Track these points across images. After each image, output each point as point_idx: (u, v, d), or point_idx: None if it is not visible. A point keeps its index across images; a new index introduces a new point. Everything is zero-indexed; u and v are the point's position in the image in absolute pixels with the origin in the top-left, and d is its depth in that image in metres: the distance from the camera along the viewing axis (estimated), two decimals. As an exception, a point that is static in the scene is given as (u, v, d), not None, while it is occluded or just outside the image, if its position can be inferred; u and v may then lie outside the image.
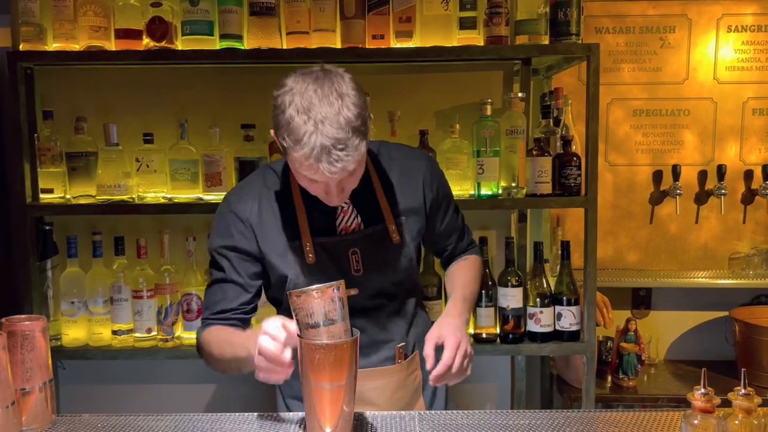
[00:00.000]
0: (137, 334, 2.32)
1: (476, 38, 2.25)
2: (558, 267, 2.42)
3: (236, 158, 2.29)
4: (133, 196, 2.30)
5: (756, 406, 1.17)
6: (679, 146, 2.98)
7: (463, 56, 2.23)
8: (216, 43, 2.24)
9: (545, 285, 2.33)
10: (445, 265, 1.84)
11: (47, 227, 2.32)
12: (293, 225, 1.55)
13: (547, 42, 2.26)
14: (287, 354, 1.28)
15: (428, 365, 1.49)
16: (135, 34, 2.22)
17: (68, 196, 2.31)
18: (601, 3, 2.93)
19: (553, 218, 2.87)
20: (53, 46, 2.25)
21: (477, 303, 2.26)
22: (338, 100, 1.32)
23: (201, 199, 2.29)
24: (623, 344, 2.75)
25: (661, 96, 2.97)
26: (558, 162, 2.28)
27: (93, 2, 2.18)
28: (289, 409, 1.72)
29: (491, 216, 2.51)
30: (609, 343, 2.86)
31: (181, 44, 2.26)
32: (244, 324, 1.59)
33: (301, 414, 1.44)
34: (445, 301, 2.33)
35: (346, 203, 1.56)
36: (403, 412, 1.51)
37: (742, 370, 1.19)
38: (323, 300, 1.26)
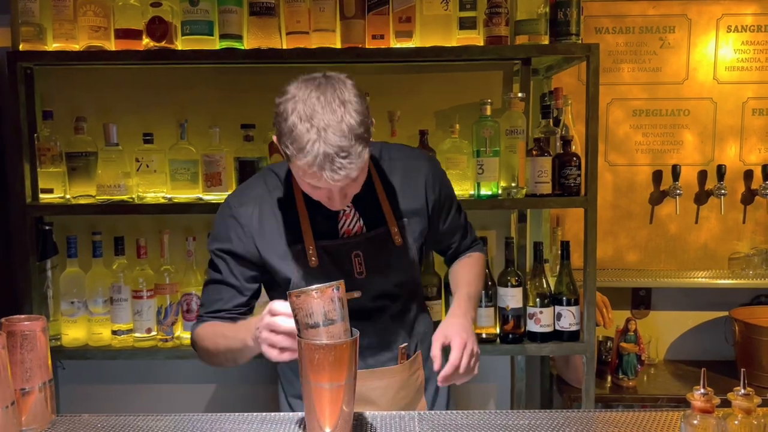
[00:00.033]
0: (137, 334, 2.32)
1: (476, 38, 2.25)
2: (558, 267, 2.42)
3: (236, 158, 2.29)
4: (133, 196, 2.30)
5: (755, 406, 1.17)
6: (679, 146, 2.98)
7: (463, 56, 2.23)
8: (216, 43, 2.24)
9: (545, 285, 2.33)
10: (449, 263, 1.85)
11: (47, 227, 2.32)
12: (296, 228, 1.55)
13: (546, 42, 2.26)
14: None
15: (435, 366, 1.49)
16: (135, 34, 2.22)
17: (68, 196, 2.31)
18: (601, 3, 2.93)
19: (552, 218, 2.87)
20: (53, 46, 2.25)
21: (477, 303, 2.27)
22: (341, 108, 1.32)
23: (201, 199, 2.30)
24: (623, 344, 2.75)
25: (661, 96, 2.97)
26: (558, 162, 2.28)
27: (93, 2, 2.18)
28: (291, 409, 1.72)
29: (491, 216, 2.51)
30: (609, 343, 2.86)
31: (180, 44, 2.26)
32: (250, 309, 1.62)
33: (300, 414, 1.44)
34: (446, 301, 2.34)
35: (348, 206, 1.56)
36: (402, 412, 1.51)
37: (742, 370, 1.19)
38: (323, 300, 1.26)
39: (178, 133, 2.32)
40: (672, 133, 2.98)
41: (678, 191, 2.91)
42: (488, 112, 2.25)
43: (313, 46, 2.21)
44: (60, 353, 2.32)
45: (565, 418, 1.46)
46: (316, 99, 1.32)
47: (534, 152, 2.27)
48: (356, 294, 1.44)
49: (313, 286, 1.26)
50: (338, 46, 2.23)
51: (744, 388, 1.17)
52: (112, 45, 2.24)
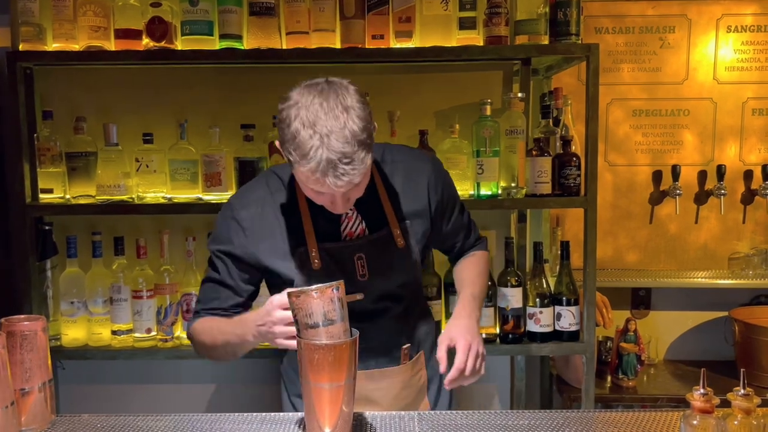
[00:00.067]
0: (137, 334, 2.32)
1: (476, 38, 2.25)
2: (557, 267, 2.42)
3: (236, 158, 2.29)
4: (133, 196, 2.30)
5: (755, 406, 1.17)
6: (679, 146, 2.98)
7: (463, 56, 2.23)
8: (216, 43, 2.24)
9: (545, 285, 2.33)
10: (453, 262, 1.85)
11: (47, 227, 2.32)
12: (298, 231, 1.56)
13: (546, 42, 2.26)
14: None
15: (441, 369, 1.51)
16: (135, 34, 2.22)
17: (68, 196, 2.31)
18: (601, 3, 2.92)
19: (552, 218, 2.87)
20: (53, 46, 2.25)
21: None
22: (344, 114, 1.32)
23: (201, 199, 2.29)
24: (623, 344, 2.75)
25: (661, 96, 2.97)
26: (558, 162, 2.28)
27: (93, 2, 2.18)
28: (295, 408, 1.72)
29: (491, 216, 2.51)
30: (608, 343, 2.86)
31: (180, 44, 2.26)
32: (246, 309, 1.64)
33: (300, 414, 1.44)
34: (446, 300, 2.34)
35: (350, 209, 1.56)
36: (402, 413, 1.51)
37: (742, 370, 1.19)
38: (322, 300, 1.26)
39: (177, 133, 2.32)
40: (672, 133, 2.98)
41: (678, 191, 2.91)
42: (488, 112, 2.25)
43: (313, 46, 2.21)
44: (60, 353, 2.32)
45: (564, 418, 1.46)
46: (318, 105, 1.32)
47: (534, 152, 2.27)
48: (359, 296, 1.46)
49: (313, 287, 1.26)
50: (338, 46, 2.23)
51: (744, 388, 1.17)
52: (111, 45, 2.24)
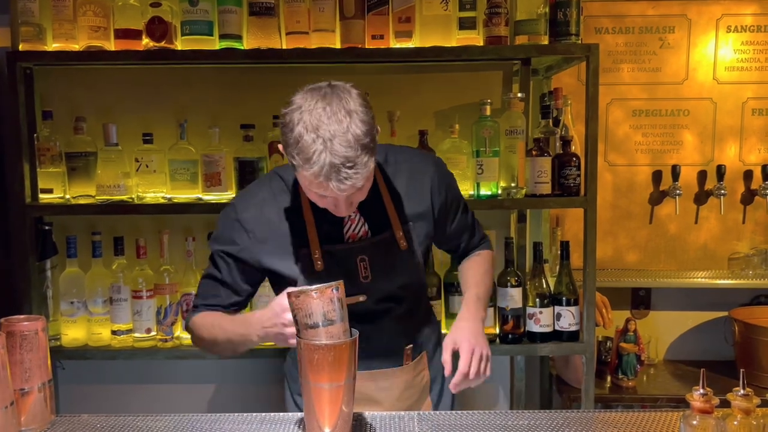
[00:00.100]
0: (136, 334, 2.32)
1: (476, 38, 2.25)
2: (557, 267, 2.42)
3: (236, 158, 2.29)
4: (133, 196, 2.30)
5: (755, 406, 1.17)
6: (679, 146, 2.98)
7: (463, 56, 2.23)
8: (215, 43, 2.24)
9: (545, 285, 2.33)
10: (458, 262, 1.86)
11: (47, 227, 2.32)
12: (301, 233, 1.56)
13: (546, 42, 2.26)
14: None
15: (446, 372, 1.53)
16: (134, 34, 2.22)
17: (68, 196, 2.31)
18: (601, 3, 2.92)
19: (552, 218, 2.87)
20: (53, 46, 2.25)
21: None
22: (346, 118, 1.32)
23: (200, 199, 2.30)
24: (622, 344, 2.75)
25: (661, 96, 2.96)
26: (557, 162, 2.28)
27: (92, 2, 2.18)
28: (298, 406, 1.73)
29: (491, 216, 2.51)
30: (608, 343, 2.86)
31: (180, 44, 2.26)
32: (243, 308, 1.67)
33: (300, 414, 1.44)
34: (446, 300, 2.34)
35: (353, 212, 1.57)
36: (402, 413, 1.51)
37: (741, 370, 1.19)
38: (322, 300, 1.26)
39: (177, 133, 2.32)
40: (672, 133, 2.98)
41: (678, 191, 2.90)
42: (488, 112, 2.25)
43: (313, 46, 2.21)
44: (59, 353, 2.32)
45: (564, 418, 1.46)
46: (321, 109, 1.32)
47: (534, 152, 2.27)
48: (361, 298, 1.47)
49: (313, 287, 1.26)
50: (338, 46, 2.23)
51: (743, 388, 1.17)
52: (111, 45, 2.24)
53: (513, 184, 2.26)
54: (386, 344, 1.64)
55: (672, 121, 2.97)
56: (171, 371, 2.62)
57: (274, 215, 1.57)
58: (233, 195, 2.30)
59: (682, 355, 3.04)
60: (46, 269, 2.32)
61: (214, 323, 1.58)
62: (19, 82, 2.24)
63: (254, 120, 2.31)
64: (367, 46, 2.22)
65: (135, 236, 2.35)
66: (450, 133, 2.31)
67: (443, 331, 2.01)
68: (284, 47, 2.24)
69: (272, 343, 1.54)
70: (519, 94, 2.26)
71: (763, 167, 2.92)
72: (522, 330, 2.33)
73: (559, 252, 2.41)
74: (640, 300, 3.04)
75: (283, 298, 1.37)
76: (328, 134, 1.30)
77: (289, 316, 1.35)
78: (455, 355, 1.54)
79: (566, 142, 2.32)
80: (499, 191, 2.28)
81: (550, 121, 2.42)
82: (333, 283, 1.27)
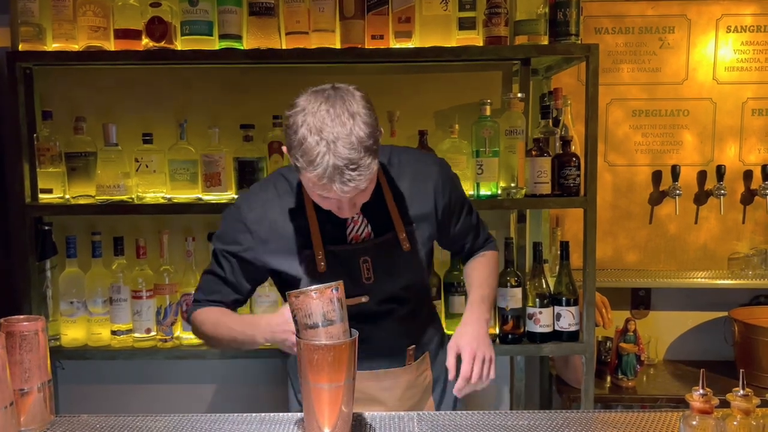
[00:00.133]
0: (136, 335, 2.32)
1: (475, 38, 2.25)
2: (557, 267, 2.42)
3: (235, 158, 2.29)
4: (133, 196, 2.30)
5: (754, 407, 1.17)
6: (679, 146, 2.98)
7: (463, 56, 2.23)
8: (215, 43, 2.24)
9: (544, 285, 2.33)
10: (463, 263, 1.86)
11: (46, 227, 2.32)
12: (305, 234, 1.57)
13: (546, 42, 2.26)
14: None
15: (450, 377, 1.54)
16: (134, 34, 2.22)
17: (67, 197, 2.31)
18: (601, 3, 2.92)
19: (552, 218, 2.87)
20: (52, 46, 2.25)
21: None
22: (350, 120, 1.32)
23: (200, 199, 2.29)
24: (622, 344, 2.75)
25: (661, 96, 2.96)
26: (557, 162, 2.28)
27: (92, 2, 2.18)
28: (300, 405, 1.73)
29: (490, 216, 2.50)
30: (608, 344, 2.86)
31: (180, 44, 2.26)
32: (241, 305, 1.70)
33: (300, 414, 1.44)
34: (445, 301, 2.34)
35: (356, 213, 1.57)
36: (401, 413, 1.51)
37: (741, 371, 1.19)
38: (322, 301, 1.26)
39: (177, 133, 2.32)
40: (671, 133, 2.98)
41: (677, 191, 2.90)
42: (488, 113, 2.25)
43: (313, 47, 2.21)
44: (59, 353, 2.32)
45: (564, 418, 1.46)
46: (325, 111, 1.33)
47: (533, 152, 2.27)
48: (364, 299, 1.52)
49: (312, 287, 1.27)
50: (338, 46, 2.23)
51: (743, 388, 1.17)
52: (111, 45, 2.24)
53: (513, 184, 2.26)
54: (389, 344, 1.65)
55: (672, 121, 2.97)
56: (171, 371, 2.62)
57: (278, 216, 1.58)
58: (233, 195, 2.30)
59: (681, 356, 3.04)
60: (45, 269, 2.32)
61: (219, 321, 1.59)
62: (19, 82, 2.24)
63: (254, 120, 2.31)
64: (366, 46, 2.22)
65: (135, 236, 2.35)
66: (450, 133, 2.31)
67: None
68: (284, 47, 2.24)
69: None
70: (519, 94, 2.26)
71: (763, 167, 2.92)
72: (522, 330, 2.33)
73: (558, 252, 2.41)
74: (640, 300, 3.04)
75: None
76: (331, 136, 1.31)
77: None
78: (459, 360, 1.55)
79: (566, 142, 2.32)
80: (499, 191, 2.28)
81: (550, 121, 2.42)
82: (333, 283, 1.27)
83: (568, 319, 2.31)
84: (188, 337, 2.34)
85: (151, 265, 2.35)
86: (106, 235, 2.35)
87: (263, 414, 1.49)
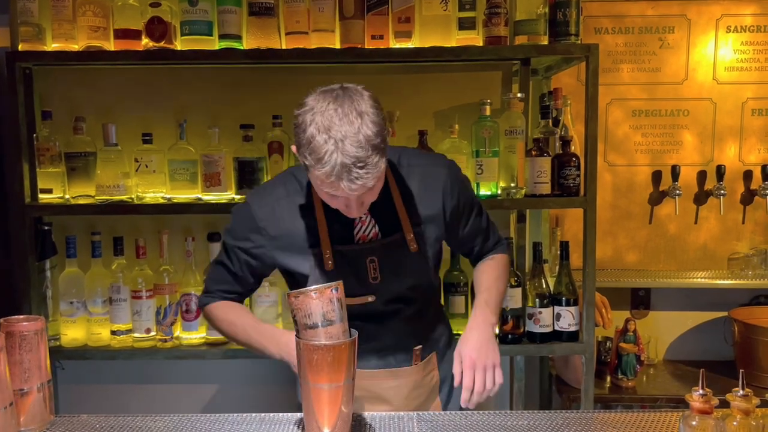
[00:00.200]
0: (136, 335, 2.32)
1: (475, 38, 2.25)
2: (557, 267, 2.42)
3: (235, 158, 2.29)
4: (132, 196, 2.30)
5: (754, 407, 1.17)
6: (679, 146, 2.98)
7: (462, 56, 2.22)
8: (215, 43, 2.24)
9: (544, 285, 2.33)
10: (473, 265, 1.86)
11: (46, 227, 2.32)
12: (313, 233, 1.58)
13: (546, 42, 2.26)
14: None
15: (455, 383, 1.56)
16: (134, 34, 2.22)
17: (67, 196, 2.30)
18: (601, 3, 2.92)
19: (552, 218, 2.87)
20: (52, 46, 2.25)
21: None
22: (358, 119, 1.34)
23: (200, 199, 2.29)
24: (622, 344, 2.75)
25: (661, 96, 2.96)
26: (557, 162, 2.28)
27: (92, 2, 2.18)
28: None
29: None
30: (608, 344, 2.86)
31: (180, 44, 2.26)
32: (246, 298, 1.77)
33: (299, 414, 1.44)
34: (446, 301, 2.34)
35: (364, 213, 1.58)
36: (401, 413, 1.51)
37: (741, 371, 1.19)
38: (321, 301, 1.26)
39: (177, 133, 2.32)
40: (671, 133, 2.98)
41: (677, 191, 2.90)
42: (487, 113, 2.25)
43: (313, 47, 2.21)
44: (59, 353, 2.32)
45: (564, 418, 1.46)
46: (333, 111, 1.35)
47: (533, 152, 2.27)
48: (370, 298, 1.54)
49: (312, 287, 1.27)
50: (337, 46, 2.23)
51: (743, 388, 1.17)
52: (111, 45, 2.24)
53: (512, 185, 2.26)
54: (395, 344, 1.66)
55: (672, 121, 2.97)
56: (170, 371, 2.61)
57: (287, 214, 1.60)
58: (233, 195, 2.30)
59: (681, 356, 3.04)
60: (45, 269, 2.32)
61: (236, 322, 1.65)
62: (19, 82, 2.24)
63: (254, 120, 2.31)
64: (366, 46, 2.22)
65: (134, 236, 2.35)
66: (449, 133, 2.31)
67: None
68: (284, 47, 2.24)
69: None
70: (518, 95, 2.26)
71: (763, 167, 2.92)
72: (522, 330, 2.33)
73: (558, 252, 2.41)
74: (640, 300, 3.04)
75: None
76: (339, 135, 1.33)
77: None
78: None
79: (566, 142, 2.32)
80: (499, 191, 2.27)
81: (550, 121, 2.42)
82: (332, 283, 1.28)
83: (567, 319, 2.31)
84: (188, 337, 2.34)
85: (150, 265, 2.35)
86: (105, 235, 2.35)
87: (263, 414, 1.49)
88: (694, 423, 1.16)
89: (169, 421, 1.46)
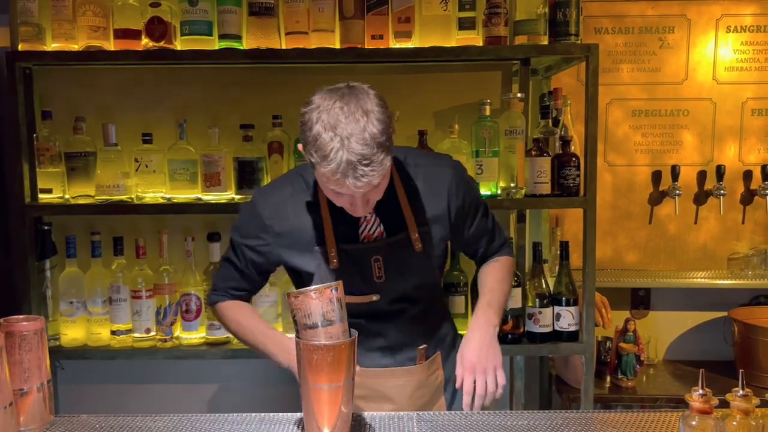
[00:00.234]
0: (136, 335, 2.32)
1: (475, 38, 2.25)
2: (557, 267, 2.42)
3: (235, 158, 2.29)
4: (132, 196, 2.30)
5: (754, 407, 1.17)
6: (678, 146, 2.98)
7: (462, 56, 2.22)
8: (215, 43, 2.24)
9: (544, 285, 2.33)
10: (478, 266, 1.87)
11: (46, 227, 2.32)
12: (319, 231, 1.60)
13: (546, 42, 2.26)
14: None
15: (457, 385, 1.57)
16: (134, 34, 2.22)
17: (67, 196, 2.30)
18: (601, 3, 2.92)
19: (552, 218, 2.87)
20: (52, 46, 2.25)
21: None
22: (363, 117, 1.36)
23: (200, 199, 2.29)
24: (622, 344, 2.75)
25: (660, 96, 2.96)
26: (557, 162, 2.28)
27: (92, 2, 2.18)
28: None
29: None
30: (608, 344, 2.86)
31: (180, 44, 2.26)
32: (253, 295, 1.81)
33: (299, 414, 1.44)
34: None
35: (369, 213, 1.59)
36: (401, 413, 1.51)
37: (741, 371, 1.19)
38: (321, 301, 1.26)
39: (177, 133, 2.32)
40: (671, 133, 2.98)
41: (677, 191, 2.90)
42: (487, 113, 2.25)
43: (313, 47, 2.21)
44: (59, 353, 2.32)
45: (563, 418, 1.46)
46: (339, 109, 1.36)
47: (533, 152, 2.27)
48: (374, 297, 1.56)
49: (312, 287, 1.27)
50: (337, 46, 2.23)
51: (742, 388, 1.17)
52: (111, 45, 2.24)
53: (512, 185, 2.26)
54: (400, 343, 1.67)
55: (671, 121, 2.97)
56: (170, 371, 2.61)
57: (292, 212, 1.62)
58: (233, 195, 2.30)
59: (681, 356, 3.04)
60: (45, 269, 2.32)
61: (244, 324, 1.69)
62: (19, 82, 2.24)
63: (254, 120, 2.31)
64: (366, 46, 2.22)
65: (134, 236, 2.35)
66: (449, 133, 2.31)
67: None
68: (284, 47, 2.24)
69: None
70: (518, 95, 2.26)
71: (763, 167, 2.92)
72: (521, 330, 2.33)
73: (558, 252, 2.41)
74: (640, 300, 3.04)
75: None
76: (345, 133, 1.34)
77: None
78: None
79: (566, 142, 2.32)
80: (499, 191, 2.27)
81: (550, 121, 2.42)
82: (332, 283, 1.28)
83: (567, 319, 2.31)
84: (188, 337, 2.34)
85: (150, 265, 2.35)
86: (105, 235, 2.35)
87: (263, 414, 1.49)
88: (693, 423, 1.16)
89: (168, 421, 1.46)
